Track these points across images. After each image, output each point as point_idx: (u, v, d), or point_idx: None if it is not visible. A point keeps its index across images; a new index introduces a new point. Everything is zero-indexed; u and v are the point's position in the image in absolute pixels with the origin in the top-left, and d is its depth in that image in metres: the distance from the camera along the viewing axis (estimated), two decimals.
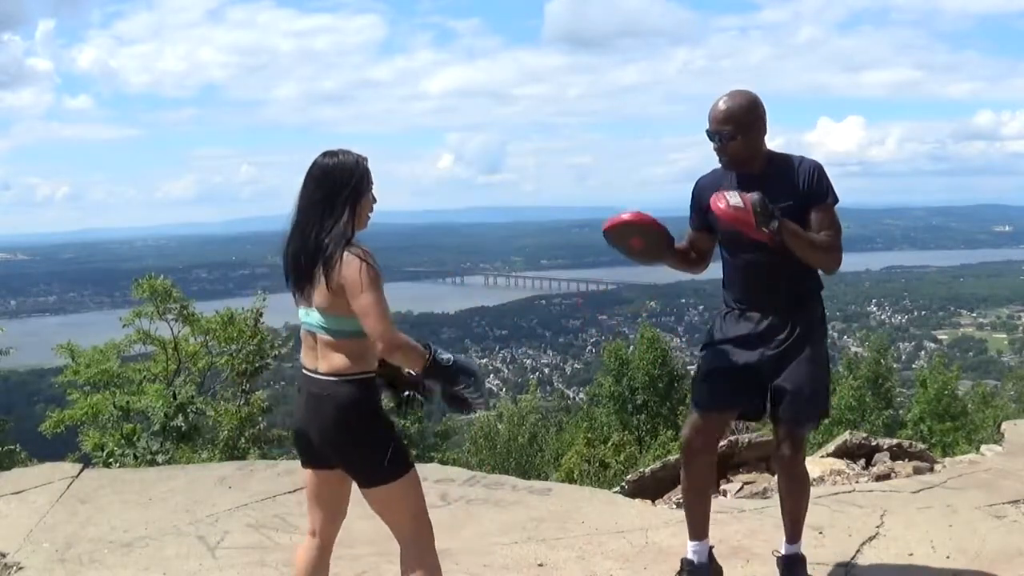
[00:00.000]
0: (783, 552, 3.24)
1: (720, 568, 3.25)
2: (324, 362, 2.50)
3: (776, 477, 3.33)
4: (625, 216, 3.03)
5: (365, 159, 2.54)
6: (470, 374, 2.52)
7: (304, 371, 2.57)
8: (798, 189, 2.96)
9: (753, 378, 3.04)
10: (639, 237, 3.06)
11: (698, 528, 3.20)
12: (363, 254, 2.42)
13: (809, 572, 3.34)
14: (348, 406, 2.46)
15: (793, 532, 3.23)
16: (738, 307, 3.10)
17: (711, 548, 3.23)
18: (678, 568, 3.24)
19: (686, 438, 3.15)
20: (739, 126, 2.91)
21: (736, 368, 3.05)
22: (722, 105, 2.93)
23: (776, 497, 4.39)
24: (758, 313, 3.05)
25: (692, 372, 3.35)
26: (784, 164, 3.01)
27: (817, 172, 2.99)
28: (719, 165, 3.09)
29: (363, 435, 2.48)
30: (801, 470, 3.20)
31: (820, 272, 3.10)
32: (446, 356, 2.50)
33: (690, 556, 3.20)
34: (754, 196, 2.82)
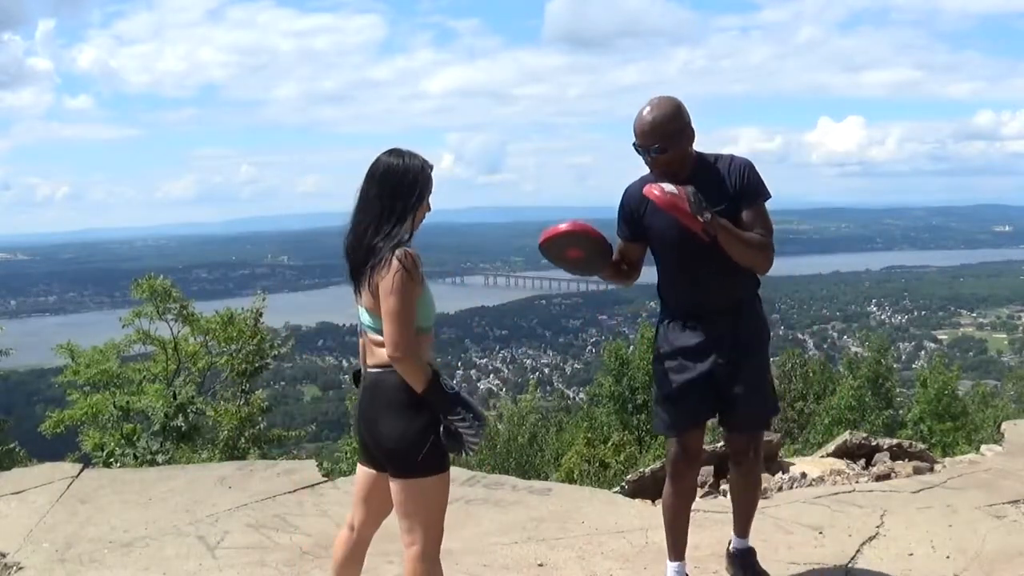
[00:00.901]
0: (736, 547, 3.31)
1: None
2: (373, 357, 2.55)
3: (732, 478, 3.33)
4: (562, 227, 2.94)
5: (431, 165, 2.53)
6: (468, 410, 2.48)
7: (362, 368, 2.61)
8: (729, 190, 2.91)
9: (709, 387, 3.01)
10: (576, 248, 2.98)
11: (680, 548, 3.20)
12: (404, 257, 2.41)
13: (809, 572, 3.36)
14: (394, 393, 2.49)
15: (747, 528, 3.31)
16: (679, 314, 3.06)
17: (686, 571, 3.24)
18: None
19: (672, 466, 3.12)
20: (666, 137, 2.85)
21: (693, 381, 3.01)
22: (648, 117, 2.86)
23: (774, 497, 4.42)
24: (699, 320, 3.01)
25: (653, 390, 3.25)
26: (713, 166, 2.96)
27: (747, 170, 2.94)
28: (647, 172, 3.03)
29: (405, 423, 2.48)
30: (759, 470, 3.30)
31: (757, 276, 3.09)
32: (450, 383, 2.49)
33: None
34: (688, 187, 2.78)
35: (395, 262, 2.40)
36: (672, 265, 3.05)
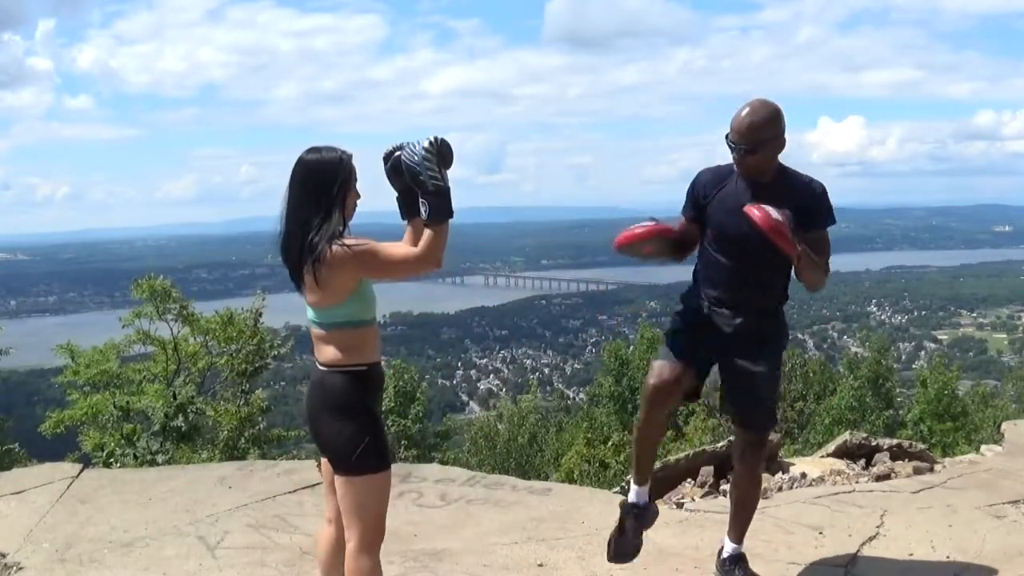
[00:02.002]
0: (730, 553, 3.29)
1: (658, 510, 3.37)
2: (321, 353, 2.63)
3: (736, 475, 3.34)
4: (638, 230, 3.07)
5: (350, 156, 2.58)
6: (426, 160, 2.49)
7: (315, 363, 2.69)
8: (805, 208, 3.01)
9: (714, 362, 3.14)
10: (650, 245, 3.12)
11: (644, 473, 3.29)
12: (342, 243, 2.49)
13: (809, 572, 3.36)
14: (334, 394, 2.58)
15: (743, 531, 3.32)
16: (715, 302, 3.14)
17: (650, 491, 3.33)
18: (619, 517, 3.30)
19: (657, 379, 3.13)
20: (758, 141, 2.95)
21: (709, 344, 3.12)
22: (747, 118, 2.96)
23: (774, 497, 4.42)
24: (734, 311, 3.10)
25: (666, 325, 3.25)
26: (794, 180, 3.07)
27: (824, 195, 3.08)
28: (719, 162, 3.16)
29: (341, 424, 2.57)
30: (762, 468, 3.38)
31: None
32: (428, 180, 2.48)
33: (634, 499, 3.29)
34: (787, 213, 2.88)
35: (339, 249, 2.47)
36: (727, 259, 3.10)
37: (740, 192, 3.02)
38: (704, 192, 3.13)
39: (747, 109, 2.97)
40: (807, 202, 3.03)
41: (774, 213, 2.85)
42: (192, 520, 4.22)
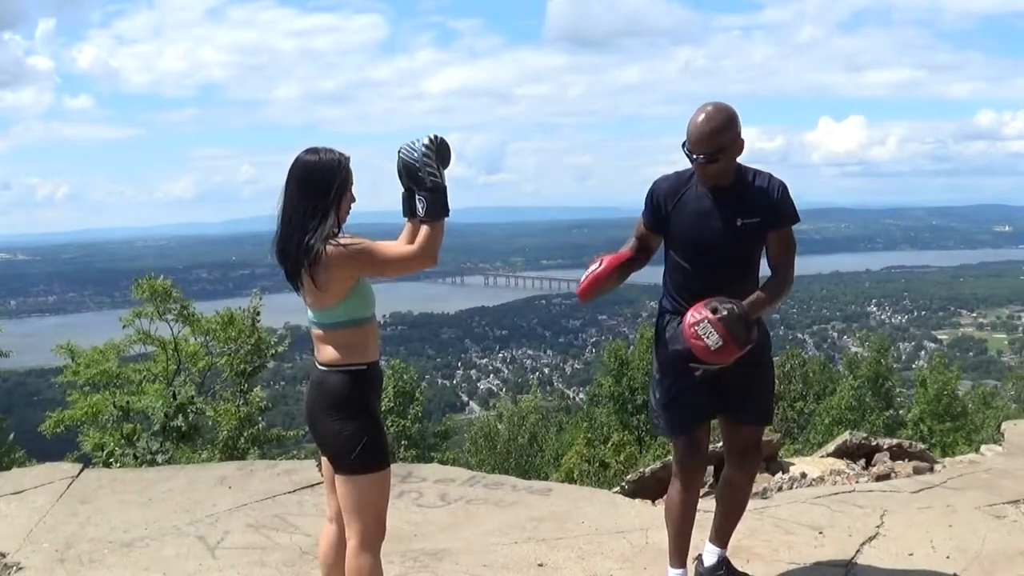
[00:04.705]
0: (717, 558, 3.22)
1: None
2: (320, 354, 2.63)
3: (731, 478, 3.22)
4: (597, 272, 3.01)
5: (347, 158, 2.57)
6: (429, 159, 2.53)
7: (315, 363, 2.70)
8: (767, 208, 2.94)
9: (716, 384, 3.01)
10: (613, 279, 3.05)
11: (684, 553, 3.16)
12: (337, 242, 2.48)
13: (809, 572, 3.36)
14: (333, 394, 2.58)
15: (729, 536, 3.25)
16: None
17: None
18: None
19: (683, 468, 3.09)
20: (719, 149, 2.86)
21: (703, 379, 2.99)
22: (704, 126, 2.84)
23: (774, 497, 4.42)
24: None
25: (655, 393, 3.14)
26: (754, 180, 2.98)
27: (786, 193, 2.99)
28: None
29: (340, 423, 2.57)
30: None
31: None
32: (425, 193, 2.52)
33: None
34: (731, 319, 2.78)
35: (334, 248, 2.47)
36: (694, 266, 3.02)
37: (701, 197, 2.95)
38: (664, 202, 3.02)
39: (703, 116, 2.85)
40: (772, 204, 2.95)
41: (710, 339, 2.76)
42: (192, 520, 4.22)
